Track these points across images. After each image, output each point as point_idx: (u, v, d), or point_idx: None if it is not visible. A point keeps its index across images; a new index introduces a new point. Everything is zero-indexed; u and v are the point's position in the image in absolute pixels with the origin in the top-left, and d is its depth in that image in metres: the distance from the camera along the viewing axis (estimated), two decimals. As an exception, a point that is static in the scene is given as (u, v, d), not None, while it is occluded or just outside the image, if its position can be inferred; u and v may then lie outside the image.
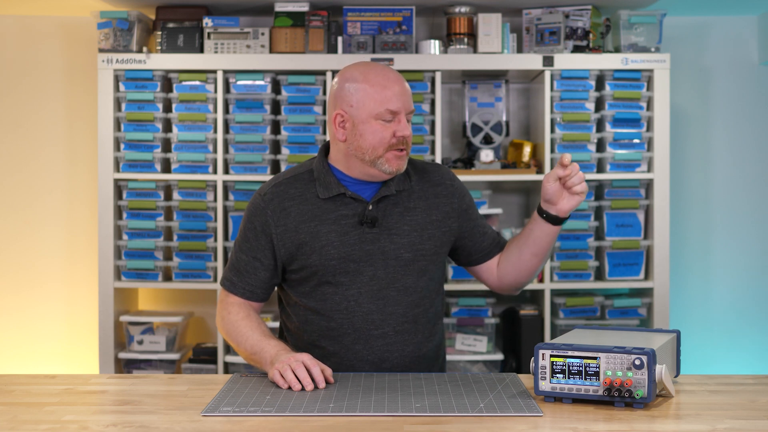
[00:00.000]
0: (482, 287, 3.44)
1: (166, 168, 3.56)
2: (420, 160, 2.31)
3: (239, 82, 3.49)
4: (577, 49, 3.48)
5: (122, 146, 3.50)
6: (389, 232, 2.14)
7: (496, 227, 3.55)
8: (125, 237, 3.52)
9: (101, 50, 3.47)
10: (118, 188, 3.53)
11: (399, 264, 2.14)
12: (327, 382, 1.93)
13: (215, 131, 3.50)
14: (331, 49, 3.49)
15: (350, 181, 2.17)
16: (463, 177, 3.43)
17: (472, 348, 3.53)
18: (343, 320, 2.15)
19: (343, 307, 2.15)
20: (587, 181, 3.49)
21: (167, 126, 3.57)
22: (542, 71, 3.48)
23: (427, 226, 2.18)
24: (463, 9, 3.50)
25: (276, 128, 3.57)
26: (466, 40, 3.51)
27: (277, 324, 3.39)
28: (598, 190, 3.56)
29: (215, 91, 3.49)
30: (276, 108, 3.56)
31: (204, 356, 3.55)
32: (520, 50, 3.58)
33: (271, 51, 3.48)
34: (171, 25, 3.49)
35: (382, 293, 2.14)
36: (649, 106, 3.50)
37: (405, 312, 2.15)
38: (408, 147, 2.14)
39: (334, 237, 2.13)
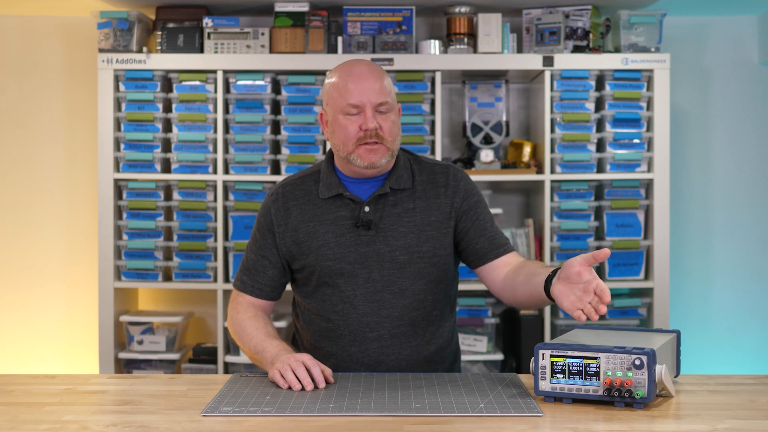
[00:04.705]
0: (482, 287, 3.44)
1: (166, 168, 3.56)
2: (432, 159, 2.26)
3: (239, 82, 3.49)
4: (577, 49, 3.48)
5: (122, 146, 3.50)
6: (385, 234, 2.13)
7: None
8: (125, 237, 3.52)
9: (101, 50, 3.47)
10: (118, 188, 3.53)
11: (394, 267, 2.13)
12: (327, 382, 1.93)
13: (215, 131, 3.50)
14: (331, 49, 3.49)
15: (350, 180, 2.18)
16: (463, 177, 3.43)
17: (472, 348, 3.53)
18: (339, 321, 2.15)
19: (339, 308, 2.15)
20: (587, 180, 3.50)
21: (167, 126, 3.56)
22: (542, 71, 3.48)
23: (425, 227, 2.15)
24: (463, 9, 3.50)
25: (276, 128, 3.57)
26: (466, 40, 3.51)
27: (281, 324, 3.41)
28: (598, 190, 3.56)
29: (215, 91, 3.48)
30: (276, 108, 3.56)
31: (204, 356, 3.55)
32: (520, 50, 3.58)
33: (271, 51, 3.48)
34: (171, 25, 3.49)
35: (377, 296, 2.13)
36: (649, 106, 3.49)
37: (401, 315, 2.14)
38: (384, 140, 2.09)
39: (331, 237, 2.14)
